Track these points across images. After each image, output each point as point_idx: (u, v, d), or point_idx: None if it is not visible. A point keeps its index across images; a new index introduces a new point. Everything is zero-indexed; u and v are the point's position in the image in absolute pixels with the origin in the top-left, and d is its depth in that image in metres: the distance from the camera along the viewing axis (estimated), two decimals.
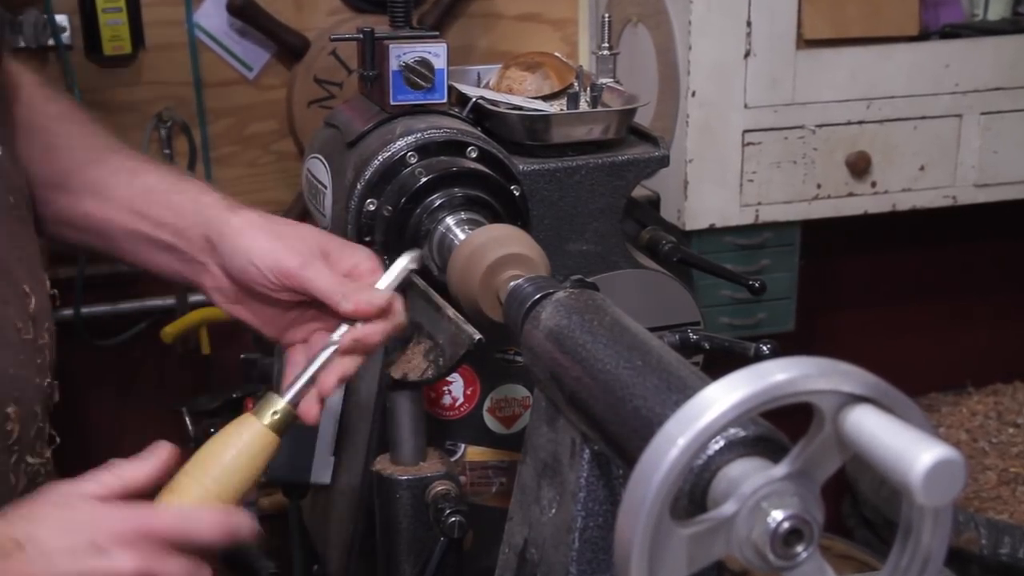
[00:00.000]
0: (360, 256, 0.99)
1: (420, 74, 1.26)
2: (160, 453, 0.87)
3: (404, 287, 1.00)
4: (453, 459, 1.36)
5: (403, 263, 1.00)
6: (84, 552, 0.78)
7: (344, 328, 0.95)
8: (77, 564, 0.78)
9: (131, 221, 1.02)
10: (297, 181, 1.79)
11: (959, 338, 2.58)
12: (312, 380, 0.93)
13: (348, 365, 0.96)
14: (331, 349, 0.95)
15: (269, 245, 0.97)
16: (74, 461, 1.89)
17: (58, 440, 1.06)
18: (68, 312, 1.97)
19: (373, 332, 0.96)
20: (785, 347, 0.99)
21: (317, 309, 0.99)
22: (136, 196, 1.03)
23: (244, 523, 0.85)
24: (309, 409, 0.93)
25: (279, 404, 0.91)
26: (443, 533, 1.13)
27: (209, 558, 0.85)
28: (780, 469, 0.64)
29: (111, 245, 1.05)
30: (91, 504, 0.81)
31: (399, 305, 0.97)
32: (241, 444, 0.89)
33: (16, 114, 1.06)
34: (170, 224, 1.01)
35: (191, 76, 2.01)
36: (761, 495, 0.64)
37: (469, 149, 1.23)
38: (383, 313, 0.95)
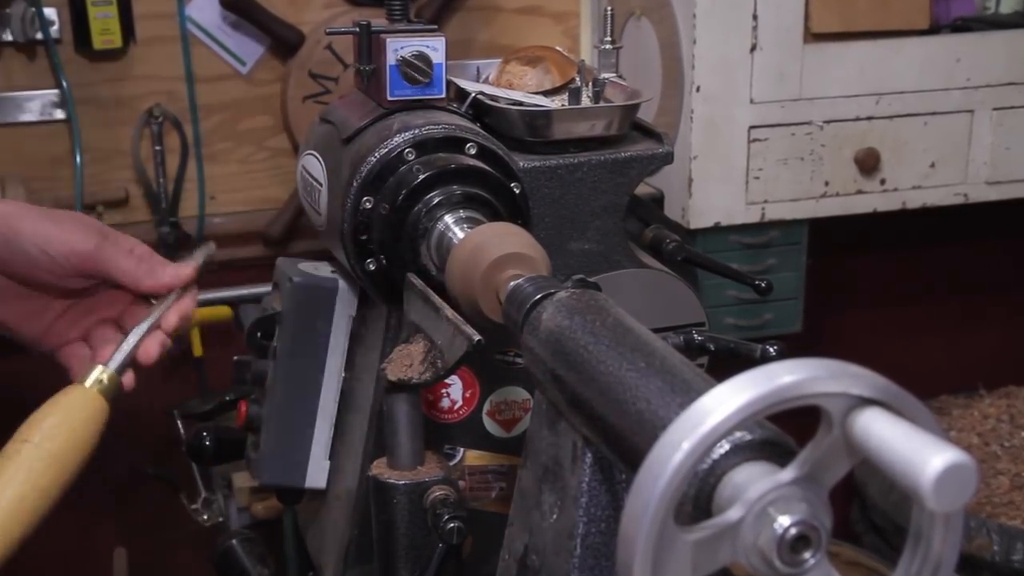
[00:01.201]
0: (133, 240, 1.00)
1: (418, 69, 1.26)
2: None
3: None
4: (452, 463, 1.36)
5: (206, 250, 1.06)
6: None
7: (161, 304, 0.99)
8: None
9: None
10: (291, 178, 1.79)
11: (970, 339, 2.58)
12: (132, 352, 0.96)
13: (164, 338, 0.99)
14: (151, 320, 0.98)
15: (55, 230, 0.95)
16: None
17: None
18: None
19: (190, 304, 1.00)
20: (792, 348, 0.99)
21: (99, 296, 1.00)
22: None
23: None
24: (127, 380, 0.96)
25: (104, 372, 0.93)
26: (441, 539, 1.13)
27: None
28: (787, 474, 0.64)
29: None
30: None
31: (196, 279, 1.02)
32: (74, 407, 0.89)
33: None
34: None
35: (183, 71, 2.01)
36: (768, 500, 0.64)
37: (468, 145, 1.23)
38: (188, 286, 1.00)
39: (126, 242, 0.99)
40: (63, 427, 0.87)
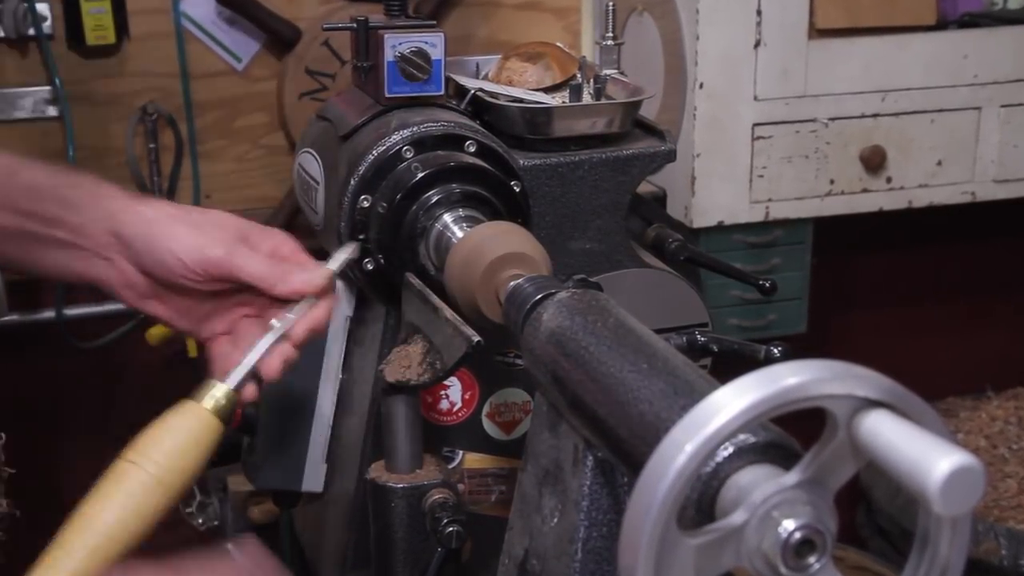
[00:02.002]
0: (279, 238, 1.00)
1: (416, 65, 1.26)
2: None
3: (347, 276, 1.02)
4: (451, 466, 1.37)
5: (347, 251, 1.04)
6: None
7: (290, 314, 0.97)
8: None
9: (16, 222, 1.00)
10: (288, 176, 1.79)
11: (978, 340, 2.58)
12: (255, 366, 0.95)
13: (290, 350, 0.98)
14: (276, 334, 0.96)
15: (190, 236, 0.97)
16: (57, 467, 1.90)
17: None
18: (50, 314, 1.97)
19: (321, 313, 0.98)
20: (797, 349, 0.99)
21: (240, 296, 1.00)
22: (19, 195, 1.00)
23: None
24: (248, 392, 0.95)
25: (221, 389, 0.91)
26: (440, 543, 1.13)
27: None
28: (792, 477, 0.64)
29: None
30: None
31: (333, 284, 1.00)
32: (184, 429, 0.89)
33: None
34: (65, 220, 0.99)
35: (177, 67, 2.01)
36: (772, 504, 0.64)
37: (467, 143, 1.23)
38: (323, 293, 0.98)
39: (267, 242, 0.99)
40: (172, 451, 0.87)
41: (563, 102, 1.39)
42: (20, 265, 1.04)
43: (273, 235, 1.01)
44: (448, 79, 1.32)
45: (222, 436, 0.91)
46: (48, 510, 0.98)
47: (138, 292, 1.00)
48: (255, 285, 0.97)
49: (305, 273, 0.97)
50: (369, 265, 1.21)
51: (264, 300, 0.99)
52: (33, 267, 1.03)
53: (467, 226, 1.16)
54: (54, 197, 1.00)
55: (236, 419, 1.34)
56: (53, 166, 1.05)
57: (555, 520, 0.93)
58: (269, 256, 0.99)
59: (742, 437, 0.69)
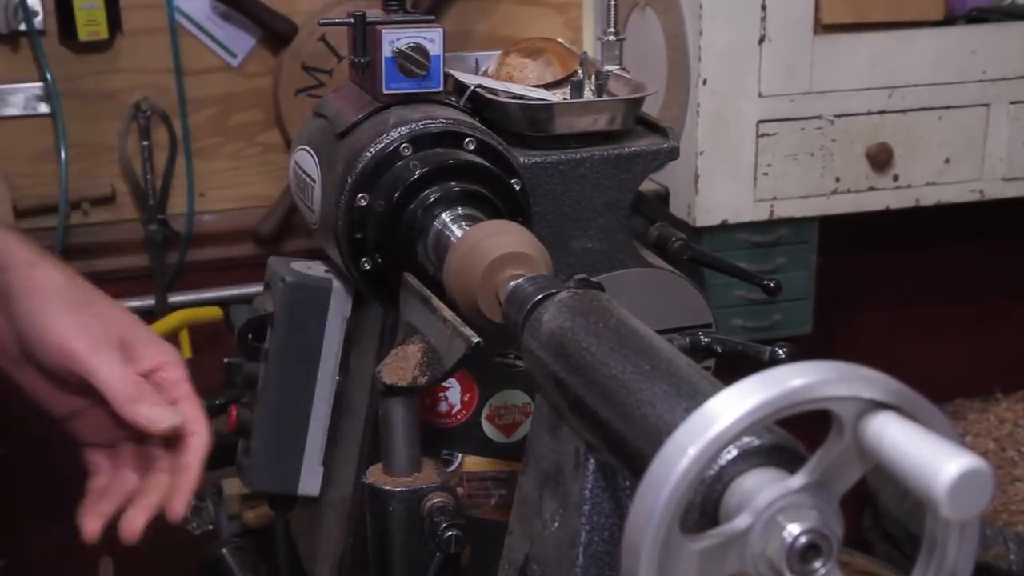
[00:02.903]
0: (166, 357, 0.93)
1: (415, 61, 1.26)
2: None
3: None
4: (450, 469, 1.37)
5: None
6: None
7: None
8: None
9: None
10: (283, 174, 1.79)
11: (987, 341, 2.58)
12: None
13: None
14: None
15: (61, 316, 0.90)
16: (40, 471, 1.89)
17: None
18: None
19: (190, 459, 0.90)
20: (802, 351, 0.99)
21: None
22: None
23: None
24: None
25: None
26: (439, 548, 1.13)
27: None
28: (797, 480, 0.64)
29: None
30: None
31: (204, 429, 0.91)
32: None
33: None
34: None
35: (171, 63, 2.01)
36: (777, 508, 0.64)
37: (467, 140, 1.23)
38: (177, 437, 0.90)
39: (151, 356, 0.92)
40: None
41: (564, 99, 1.38)
42: None
43: (161, 352, 0.93)
44: (447, 75, 1.32)
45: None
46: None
47: (10, 357, 0.93)
48: (106, 396, 0.89)
49: (156, 408, 0.89)
50: (367, 265, 1.21)
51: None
52: None
53: (466, 225, 1.15)
54: None
55: (231, 421, 1.35)
56: None
57: (556, 524, 0.93)
58: (146, 374, 0.91)
59: (746, 440, 0.69)
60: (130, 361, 0.91)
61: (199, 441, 0.91)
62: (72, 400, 0.94)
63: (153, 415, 0.88)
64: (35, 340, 0.90)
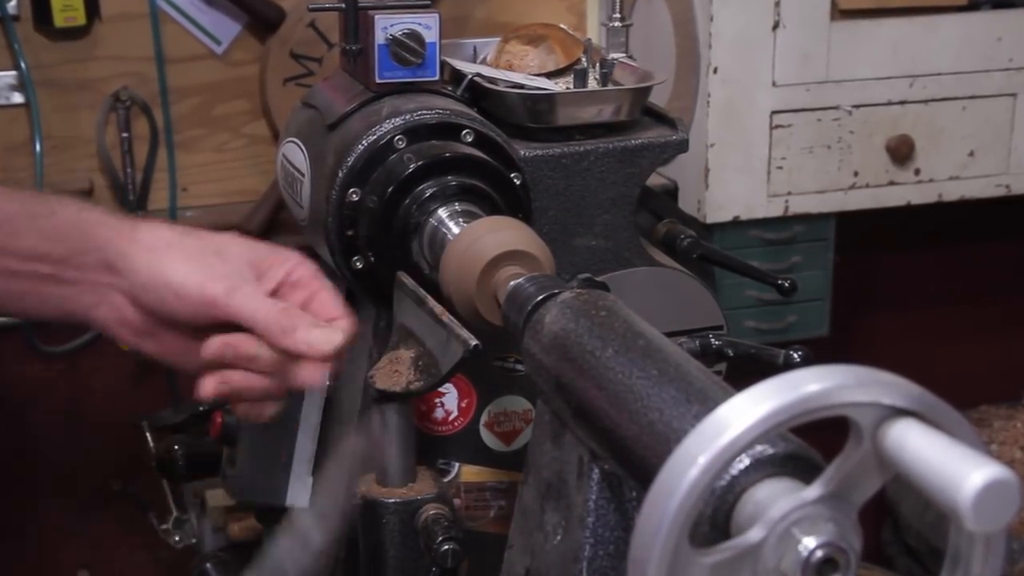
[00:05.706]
0: (293, 262, 0.96)
1: (409, 48, 1.26)
2: None
3: None
4: (446, 480, 1.37)
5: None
6: None
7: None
8: None
9: None
10: (271, 168, 1.79)
11: (1013, 344, 2.58)
12: None
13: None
14: None
15: (188, 267, 0.92)
16: (21, 480, 1.89)
17: None
18: None
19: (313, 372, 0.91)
20: (818, 354, 0.99)
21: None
22: None
23: None
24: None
25: None
26: (435, 562, 1.13)
27: None
28: (813, 491, 0.64)
29: None
30: None
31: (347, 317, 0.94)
32: None
33: None
34: (47, 253, 0.94)
35: (152, 50, 2.01)
36: (791, 520, 0.64)
37: (464, 132, 1.24)
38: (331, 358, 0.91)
39: (281, 267, 0.95)
40: None
41: (567, 88, 1.39)
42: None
43: (287, 258, 0.96)
44: (443, 63, 1.32)
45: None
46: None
47: (134, 331, 0.95)
48: (256, 332, 0.91)
49: (315, 332, 0.91)
50: (358, 263, 1.22)
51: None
52: (11, 309, 0.98)
53: (464, 221, 1.16)
54: (31, 228, 0.95)
55: (215, 428, 1.35)
56: (27, 192, 1.01)
57: (558, 537, 0.93)
58: (283, 283, 0.94)
59: (759, 448, 0.70)
60: (264, 280, 0.94)
61: (344, 324, 0.94)
62: (199, 346, 0.95)
63: (312, 339, 0.90)
64: (171, 300, 0.92)
